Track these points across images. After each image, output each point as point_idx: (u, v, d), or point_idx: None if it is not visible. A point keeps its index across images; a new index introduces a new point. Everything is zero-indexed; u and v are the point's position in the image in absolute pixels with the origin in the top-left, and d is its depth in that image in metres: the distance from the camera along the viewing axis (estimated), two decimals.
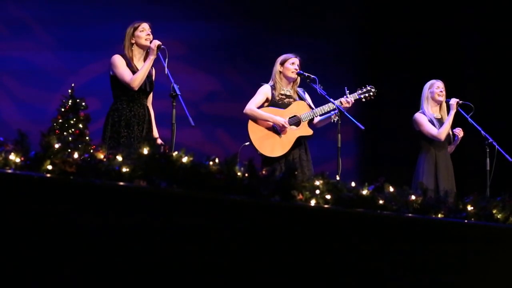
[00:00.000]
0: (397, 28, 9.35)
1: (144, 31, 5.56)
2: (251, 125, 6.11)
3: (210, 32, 9.03)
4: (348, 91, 6.15)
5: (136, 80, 5.47)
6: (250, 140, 6.10)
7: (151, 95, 5.72)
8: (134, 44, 5.60)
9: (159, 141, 5.56)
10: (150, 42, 5.50)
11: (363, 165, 9.53)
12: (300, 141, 6.10)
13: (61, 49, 8.42)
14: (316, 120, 6.21)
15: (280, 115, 6.08)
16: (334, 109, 6.04)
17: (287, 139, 6.07)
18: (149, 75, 5.60)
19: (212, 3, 9.05)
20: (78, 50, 8.40)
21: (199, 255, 3.08)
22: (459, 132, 6.71)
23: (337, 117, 6.02)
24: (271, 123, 6.08)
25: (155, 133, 5.73)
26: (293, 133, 6.08)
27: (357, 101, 6.26)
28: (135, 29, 5.57)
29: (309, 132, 6.13)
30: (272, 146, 6.05)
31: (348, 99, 6.07)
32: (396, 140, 8.74)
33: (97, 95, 7.82)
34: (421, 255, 3.86)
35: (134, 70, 5.53)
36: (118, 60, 5.51)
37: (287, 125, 6.06)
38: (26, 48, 8.30)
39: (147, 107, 5.63)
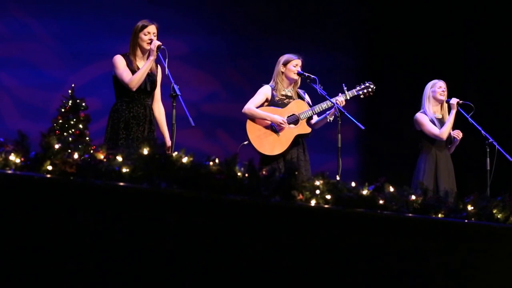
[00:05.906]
0: (397, 28, 9.34)
1: (148, 35, 5.52)
2: (249, 124, 6.11)
3: (211, 32, 9.03)
4: (346, 88, 6.11)
5: (134, 81, 5.47)
6: (248, 139, 6.10)
7: (158, 93, 5.69)
8: (138, 43, 5.58)
9: (168, 140, 5.57)
10: (150, 43, 5.51)
11: (363, 165, 9.52)
12: (298, 140, 6.10)
13: (61, 48, 8.42)
14: (313, 120, 6.19)
15: (279, 114, 6.07)
16: (331, 107, 6.02)
17: (285, 138, 6.06)
18: (151, 74, 5.59)
19: (213, 2, 9.06)
20: (79, 49, 8.40)
21: (199, 256, 3.08)
22: (458, 134, 6.69)
23: (333, 116, 6.00)
24: (269, 122, 6.07)
25: (165, 132, 5.70)
26: (291, 132, 6.07)
27: (356, 97, 6.23)
28: (141, 29, 5.54)
29: (307, 130, 6.12)
30: (271, 145, 6.05)
31: (340, 98, 6.02)
32: (396, 140, 8.74)
33: (97, 95, 7.84)
34: (422, 255, 3.86)
35: (134, 70, 5.53)
36: (118, 61, 5.54)
37: (285, 123, 6.05)
38: (26, 48, 8.30)
39: (150, 107, 5.62)
